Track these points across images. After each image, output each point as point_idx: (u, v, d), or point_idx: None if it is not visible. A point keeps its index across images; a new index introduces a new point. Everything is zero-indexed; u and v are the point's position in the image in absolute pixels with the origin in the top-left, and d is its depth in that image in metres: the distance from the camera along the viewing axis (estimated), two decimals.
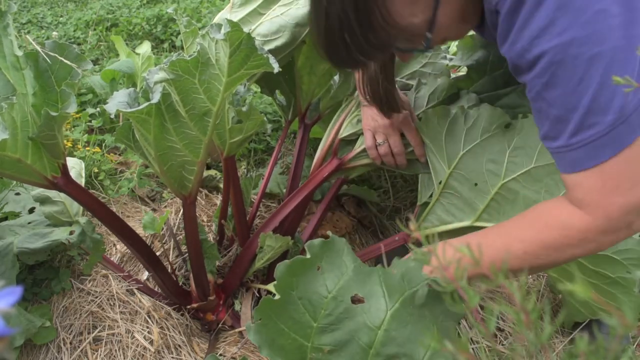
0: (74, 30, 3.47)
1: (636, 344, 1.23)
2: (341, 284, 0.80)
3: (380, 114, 1.12)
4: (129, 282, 1.27)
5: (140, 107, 0.87)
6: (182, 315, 1.26)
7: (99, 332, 1.17)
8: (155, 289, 1.29)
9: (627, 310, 0.29)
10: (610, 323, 0.32)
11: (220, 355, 1.17)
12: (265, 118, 1.21)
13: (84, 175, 1.38)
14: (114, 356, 1.13)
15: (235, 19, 1.21)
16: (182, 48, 1.49)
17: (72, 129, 1.85)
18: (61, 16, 3.98)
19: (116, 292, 1.24)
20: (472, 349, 1.22)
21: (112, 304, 1.23)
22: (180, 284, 1.32)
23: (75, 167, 1.36)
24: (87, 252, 1.19)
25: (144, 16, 3.36)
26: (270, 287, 1.17)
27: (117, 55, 2.66)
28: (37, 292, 1.22)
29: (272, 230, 1.18)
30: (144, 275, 1.36)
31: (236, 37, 0.79)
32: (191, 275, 1.25)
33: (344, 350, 0.76)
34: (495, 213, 1.04)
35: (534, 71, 0.71)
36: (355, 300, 0.80)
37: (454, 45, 1.81)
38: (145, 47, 2.20)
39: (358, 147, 1.23)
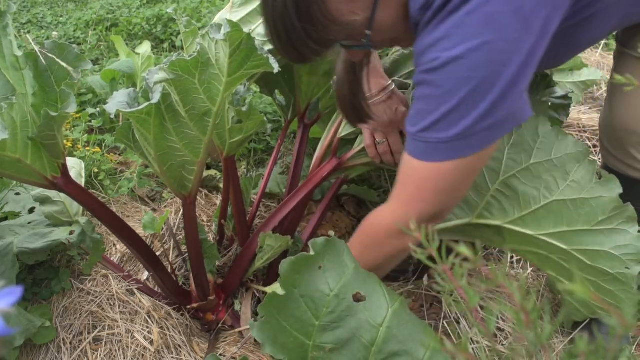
0: (74, 30, 3.47)
1: (636, 344, 1.23)
2: (343, 282, 0.80)
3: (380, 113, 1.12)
4: (129, 282, 1.27)
5: (140, 107, 0.87)
6: (182, 315, 1.26)
7: (99, 332, 1.17)
8: (155, 289, 1.30)
9: (627, 310, 0.29)
10: (610, 323, 0.32)
11: (220, 355, 1.17)
12: (265, 118, 1.21)
13: (84, 175, 1.38)
14: (114, 356, 1.13)
15: (235, 19, 1.21)
16: (182, 48, 1.49)
17: (72, 129, 1.85)
18: (61, 16, 3.98)
19: (116, 292, 1.24)
20: (472, 349, 1.22)
21: (112, 304, 1.23)
22: (180, 284, 1.32)
23: (75, 167, 1.36)
24: (87, 252, 1.19)
25: (144, 16, 3.35)
26: (270, 289, 1.17)
27: (117, 55, 2.66)
28: (37, 292, 1.22)
29: (272, 230, 1.18)
30: (144, 275, 1.36)
31: (236, 37, 0.79)
32: (191, 275, 1.25)
33: (346, 348, 0.76)
34: (495, 210, 1.05)
35: (421, 67, 0.81)
36: (357, 298, 0.80)
37: None
38: (145, 47, 2.20)
39: (357, 146, 1.23)
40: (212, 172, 1.78)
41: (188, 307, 1.25)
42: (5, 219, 1.28)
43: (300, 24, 0.80)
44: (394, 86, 1.14)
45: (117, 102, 0.93)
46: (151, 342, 1.16)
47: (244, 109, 1.13)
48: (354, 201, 1.70)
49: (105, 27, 3.42)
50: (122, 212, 1.59)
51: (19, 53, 0.96)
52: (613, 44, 2.51)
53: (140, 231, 1.32)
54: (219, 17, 1.26)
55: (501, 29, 0.72)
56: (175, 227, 1.53)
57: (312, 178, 1.25)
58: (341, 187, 1.43)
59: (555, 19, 0.77)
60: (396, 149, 1.16)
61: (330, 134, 1.31)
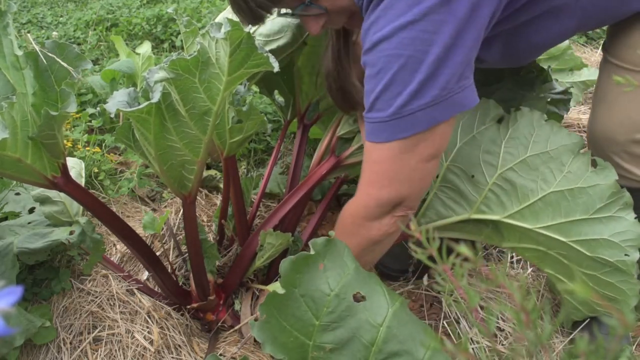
0: (74, 30, 3.47)
1: (636, 344, 1.23)
2: (343, 282, 0.80)
3: None
4: (129, 282, 1.27)
5: (140, 106, 0.87)
6: (182, 315, 1.26)
7: (99, 332, 1.17)
8: (155, 289, 1.29)
9: (626, 305, 0.29)
10: (610, 323, 0.31)
11: (220, 355, 1.17)
12: (265, 118, 1.21)
13: (84, 175, 1.38)
14: (114, 356, 1.13)
15: (236, 19, 1.21)
16: (182, 48, 1.49)
17: (72, 129, 1.85)
18: (61, 16, 3.98)
19: (116, 292, 1.24)
20: (472, 349, 1.22)
21: (112, 304, 1.23)
22: (180, 284, 1.32)
23: (75, 167, 1.36)
24: (87, 252, 1.19)
25: (144, 16, 3.35)
26: (269, 288, 1.17)
27: (117, 55, 2.66)
28: (37, 292, 1.22)
29: (272, 228, 1.18)
30: (144, 275, 1.36)
31: (236, 36, 0.79)
32: (191, 275, 1.25)
33: (346, 348, 0.76)
34: (493, 204, 1.05)
35: (363, 50, 0.86)
36: (357, 298, 0.80)
37: None
38: (145, 47, 2.20)
39: (355, 144, 1.24)
40: (212, 172, 1.78)
41: (188, 307, 1.25)
42: (5, 219, 1.28)
43: None
44: None
45: (117, 101, 0.93)
46: (151, 342, 1.15)
47: (244, 108, 1.13)
48: None
49: (105, 27, 3.42)
50: (122, 212, 1.59)
51: (19, 52, 0.96)
52: None
53: (140, 231, 1.31)
54: (220, 18, 1.26)
55: (425, 10, 0.77)
56: (175, 227, 1.53)
57: (312, 176, 1.25)
58: (341, 186, 1.43)
59: (485, 5, 0.81)
60: None
61: (330, 133, 1.31)
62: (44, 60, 0.96)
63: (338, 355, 0.77)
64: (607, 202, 0.96)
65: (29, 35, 3.22)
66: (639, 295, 1.00)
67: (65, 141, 1.22)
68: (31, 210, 1.31)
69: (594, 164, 0.97)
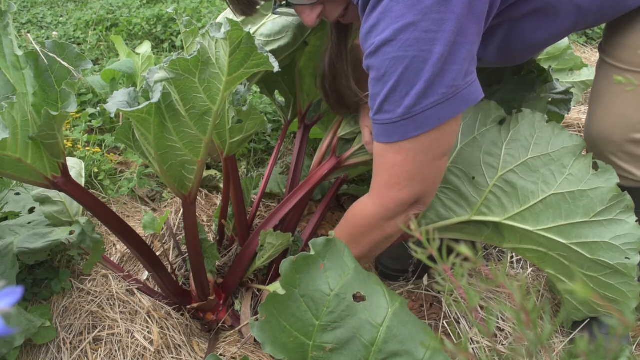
0: (74, 30, 3.47)
1: (636, 343, 1.23)
2: (343, 282, 0.80)
3: None
4: (129, 282, 1.27)
5: (140, 106, 0.87)
6: (182, 315, 1.26)
7: (99, 332, 1.17)
8: (155, 289, 1.29)
9: (628, 304, 0.29)
10: (610, 323, 0.31)
11: (220, 355, 1.17)
12: (265, 118, 1.21)
13: (84, 175, 1.38)
14: (114, 356, 1.13)
15: (238, 20, 1.21)
16: (182, 48, 1.49)
17: (72, 129, 1.85)
18: (61, 16, 3.98)
19: (116, 292, 1.24)
20: (472, 348, 1.22)
21: (112, 304, 1.23)
22: (180, 284, 1.32)
23: (75, 167, 1.36)
24: (87, 252, 1.19)
25: (144, 16, 3.35)
26: (269, 288, 1.17)
27: (117, 55, 2.66)
28: (37, 292, 1.22)
29: (273, 228, 1.18)
30: (144, 275, 1.36)
31: (236, 36, 0.79)
32: (191, 275, 1.25)
33: (346, 348, 0.76)
34: (493, 206, 1.05)
35: (365, 54, 0.87)
36: (357, 298, 0.80)
37: None
38: (145, 47, 2.20)
39: (356, 145, 1.24)
40: (212, 172, 1.78)
41: (188, 307, 1.25)
42: (5, 219, 1.28)
43: None
44: None
45: (117, 101, 0.93)
46: (151, 342, 1.15)
47: (244, 108, 1.13)
48: (354, 201, 1.70)
49: (105, 27, 3.42)
50: (122, 212, 1.59)
51: (20, 52, 0.96)
52: None
53: (140, 231, 1.31)
54: (221, 18, 1.26)
55: (424, 10, 0.78)
56: (175, 227, 1.53)
57: (312, 177, 1.25)
58: (341, 186, 1.43)
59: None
60: None
61: (331, 133, 1.31)
62: (44, 60, 0.96)
63: (338, 355, 0.77)
64: (608, 205, 0.96)
65: (29, 35, 3.22)
66: (639, 297, 1.00)
67: (65, 141, 1.22)
68: (31, 210, 1.31)
69: (595, 166, 0.97)
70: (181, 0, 3.80)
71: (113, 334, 1.17)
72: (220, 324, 1.25)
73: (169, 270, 1.26)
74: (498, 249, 1.54)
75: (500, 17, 0.94)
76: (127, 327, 1.18)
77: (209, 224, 1.59)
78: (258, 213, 1.57)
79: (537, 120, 1.01)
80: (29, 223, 1.22)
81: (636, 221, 0.96)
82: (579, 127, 2.14)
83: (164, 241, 1.47)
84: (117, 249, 1.43)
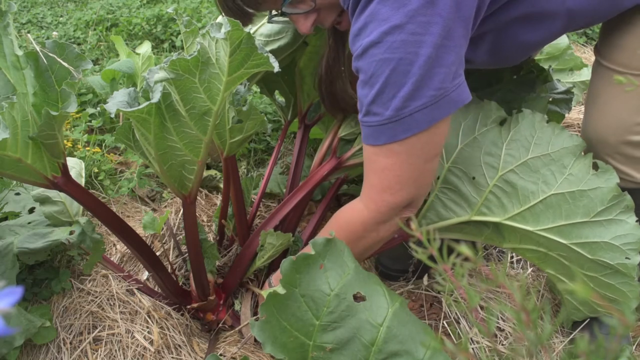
0: (74, 30, 3.47)
1: (636, 343, 1.23)
2: (343, 282, 0.80)
3: None
4: (129, 282, 1.27)
5: (140, 106, 0.87)
6: (182, 315, 1.26)
7: (99, 332, 1.17)
8: (155, 289, 1.29)
9: (628, 304, 0.29)
10: (611, 323, 0.31)
11: (220, 355, 1.17)
12: (265, 118, 1.21)
13: (84, 175, 1.38)
14: (114, 356, 1.13)
15: None
16: (182, 48, 1.49)
17: (72, 129, 1.85)
18: (61, 16, 3.98)
19: (116, 292, 1.24)
20: (472, 348, 1.22)
21: (112, 304, 1.23)
22: (180, 284, 1.32)
23: (75, 167, 1.36)
24: (87, 252, 1.19)
25: (144, 16, 3.35)
26: (264, 294, 1.17)
27: (117, 55, 2.66)
28: (37, 292, 1.22)
29: (273, 228, 1.18)
30: (144, 275, 1.36)
31: (236, 36, 0.79)
32: (191, 275, 1.25)
33: (346, 348, 0.76)
34: (494, 206, 1.05)
35: (353, 57, 0.87)
36: (357, 298, 0.80)
37: None
38: (145, 47, 2.20)
39: (357, 145, 1.24)
40: (212, 172, 1.78)
41: (188, 307, 1.25)
42: (5, 219, 1.28)
43: None
44: None
45: (117, 101, 0.93)
46: (151, 342, 1.15)
47: (244, 108, 1.13)
48: None
49: (105, 27, 3.42)
50: (122, 212, 1.59)
51: (20, 52, 0.96)
52: None
53: (140, 231, 1.31)
54: (220, 18, 1.26)
55: (410, 12, 0.78)
56: (175, 227, 1.53)
57: (312, 177, 1.25)
58: (341, 186, 1.43)
59: (469, 2, 0.82)
60: None
61: (331, 134, 1.31)
62: (45, 60, 0.96)
63: (338, 355, 0.77)
64: (608, 205, 0.96)
65: (29, 35, 3.22)
66: (639, 297, 1.00)
67: (65, 141, 1.22)
68: (31, 210, 1.31)
69: (595, 166, 0.97)
70: (181, 0, 3.80)
71: (113, 334, 1.17)
72: (220, 324, 1.25)
73: (169, 270, 1.26)
74: (498, 249, 1.54)
75: (489, 21, 0.94)
76: (127, 327, 1.18)
77: (209, 224, 1.59)
78: (258, 213, 1.57)
79: (537, 120, 1.01)
80: (29, 223, 1.22)
81: (636, 221, 0.96)
82: (579, 127, 2.14)
83: (164, 241, 1.47)
84: (117, 249, 1.43)
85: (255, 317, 1.21)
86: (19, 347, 1.05)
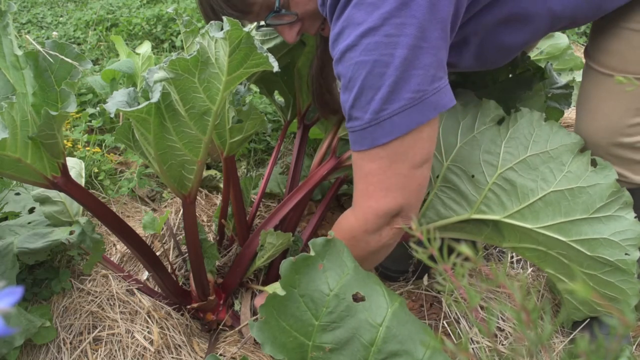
0: (74, 30, 3.47)
1: (636, 343, 1.23)
2: (343, 282, 0.80)
3: None
4: (129, 282, 1.27)
5: (140, 106, 0.87)
6: (182, 315, 1.26)
7: (99, 332, 1.17)
8: (155, 289, 1.29)
9: (626, 304, 0.29)
10: (611, 322, 0.31)
11: (220, 355, 1.17)
12: (265, 118, 1.21)
13: (84, 175, 1.38)
14: (114, 356, 1.13)
15: None
16: (182, 48, 1.49)
17: (72, 129, 1.85)
18: (61, 16, 3.98)
19: (116, 292, 1.24)
20: (472, 348, 1.22)
21: (112, 304, 1.22)
22: (180, 284, 1.32)
23: (75, 167, 1.36)
24: (87, 252, 1.19)
25: (144, 16, 3.35)
26: (268, 288, 1.17)
27: (117, 55, 2.66)
28: (37, 292, 1.22)
29: (273, 228, 1.18)
30: (144, 275, 1.36)
31: (236, 36, 0.79)
32: (191, 275, 1.25)
33: (346, 348, 0.76)
34: (493, 204, 1.05)
35: (334, 60, 0.87)
36: (357, 298, 0.80)
37: None
38: (145, 47, 2.20)
39: None
40: (212, 172, 1.78)
41: (188, 307, 1.25)
42: (5, 219, 1.28)
43: None
44: None
45: (117, 101, 0.93)
46: (151, 342, 1.15)
47: (244, 108, 1.13)
48: None
49: (105, 27, 3.42)
50: (122, 212, 1.59)
51: (19, 52, 0.96)
52: None
53: (140, 231, 1.31)
54: None
55: (384, 14, 0.77)
56: (175, 227, 1.53)
57: (312, 177, 1.25)
58: (341, 186, 1.43)
59: (444, 4, 0.80)
60: None
61: (331, 134, 1.31)
62: (44, 60, 0.96)
63: (338, 355, 0.77)
64: (607, 202, 0.96)
65: (28, 36, 3.22)
66: (639, 294, 1.00)
67: (65, 141, 1.22)
68: (31, 210, 1.31)
69: (593, 163, 0.97)
70: (181, 0, 3.80)
71: (113, 334, 1.17)
72: (220, 324, 1.25)
73: (169, 270, 1.26)
74: (498, 249, 1.54)
75: (472, 25, 0.93)
76: (127, 327, 1.18)
77: (209, 224, 1.59)
78: (258, 213, 1.57)
79: (535, 118, 1.01)
80: (29, 223, 1.22)
81: (635, 217, 0.96)
82: None
83: (164, 241, 1.47)
84: (117, 249, 1.43)
85: (254, 318, 1.21)
86: (19, 347, 1.05)
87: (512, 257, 1.50)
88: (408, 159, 0.86)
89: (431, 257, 0.40)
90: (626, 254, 0.96)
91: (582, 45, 3.15)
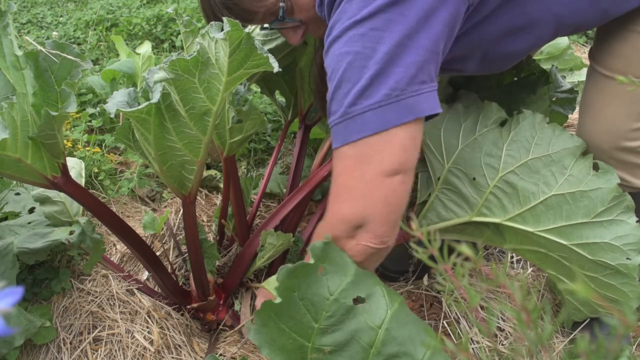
0: (74, 30, 3.47)
1: (636, 343, 1.23)
2: (343, 286, 0.80)
3: None
4: (129, 282, 1.27)
5: (140, 106, 0.87)
6: (182, 315, 1.26)
7: (99, 332, 1.17)
8: (155, 289, 1.29)
9: (627, 307, 0.29)
10: (611, 323, 0.31)
11: (220, 355, 1.17)
12: (265, 118, 1.21)
13: (84, 175, 1.38)
14: (114, 356, 1.13)
15: None
16: (182, 48, 1.49)
17: (72, 129, 1.85)
18: (61, 16, 3.98)
19: (116, 292, 1.24)
20: (473, 348, 1.22)
21: (112, 304, 1.22)
22: (180, 284, 1.32)
23: (75, 167, 1.36)
24: (87, 252, 1.19)
25: (144, 16, 3.35)
26: (266, 285, 1.17)
27: (117, 55, 2.66)
28: (37, 292, 1.22)
29: (274, 229, 1.18)
30: (144, 275, 1.36)
31: (236, 37, 0.79)
32: (191, 275, 1.25)
33: (345, 350, 0.76)
34: (494, 207, 1.05)
35: (324, 52, 0.85)
36: (356, 300, 0.80)
37: None
38: (145, 47, 2.20)
39: None
40: (212, 172, 1.78)
41: (188, 307, 1.25)
42: (5, 219, 1.28)
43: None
44: None
45: (117, 101, 0.93)
46: (151, 342, 1.15)
47: (244, 108, 1.13)
48: None
49: (105, 27, 3.42)
50: (122, 212, 1.59)
51: (19, 52, 0.96)
52: None
53: (140, 231, 1.31)
54: None
55: (374, 9, 0.77)
56: (175, 227, 1.53)
57: (313, 178, 1.25)
58: None
59: (439, 15, 0.78)
60: None
61: None
62: (44, 60, 0.96)
63: (337, 357, 0.76)
64: (609, 206, 0.95)
65: (28, 36, 3.22)
66: None
67: (65, 141, 1.22)
68: (31, 210, 1.31)
69: (595, 167, 0.97)
70: (181, 0, 3.80)
71: (113, 334, 1.17)
72: (220, 324, 1.25)
73: (169, 270, 1.26)
74: (499, 249, 1.54)
75: (474, 36, 0.92)
76: (127, 327, 1.18)
77: (209, 224, 1.59)
78: (258, 213, 1.57)
79: (537, 121, 1.01)
80: (29, 223, 1.22)
81: (637, 221, 0.95)
82: None
83: (164, 241, 1.47)
84: (117, 249, 1.43)
85: (252, 319, 1.21)
86: (19, 347, 1.05)
87: (512, 257, 1.50)
88: (374, 162, 0.79)
89: (431, 257, 0.40)
90: (627, 258, 0.96)
91: (582, 45, 3.15)
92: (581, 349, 0.32)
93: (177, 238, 1.48)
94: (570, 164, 0.98)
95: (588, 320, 1.19)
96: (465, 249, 0.36)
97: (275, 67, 0.83)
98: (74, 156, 1.63)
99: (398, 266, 1.42)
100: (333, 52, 0.81)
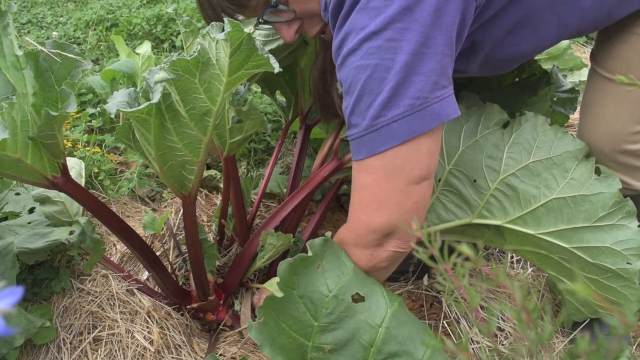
0: (74, 30, 3.47)
1: (636, 343, 1.23)
2: (342, 283, 0.80)
3: None
4: (129, 282, 1.27)
5: (141, 106, 0.87)
6: (182, 315, 1.26)
7: (99, 332, 1.17)
8: (155, 289, 1.29)
9: (629, 306, 0.29)
10: (611, 323, 0.31)
11: (220, 355, 1.17)
12: (265, 118, 1.21)
13: (84, 175, 1.38)
14: (114, 356, 1.13)
15: None
16: (182, 48, 1.49)
17: (72, 129, 1.85)
18: (61, 16, 3.98)
19: (116, 292, 1.24)
20: (473, 348, 1.22)
21: (112, 304, 1.23)
22: (180, 284, 1.32)
23: (75, 167, 1.36)
24: (87, 252, 1.19)
25: (144, 16, 3.35)
26: (266, 285, 1.17)
27: (117, 55, 2.66)
28: (37, 292, 1.22)
29: (274, 229, 1.18)
30: (144, 275, 1.36)
31: (237, 37, 0.79)
32: (191, 275, 1.25)
33: (345, 349, 0.76)
34: (495, 209, 1.05)
35: (337, 66, 0.85)
36: (356, 299, 0.80)
37: None
38: (145, 47, 2.20)
39: None
40: (212, 172, 1.78)
41: (188, 307, 1.25)
42: (5, 219, 1.28)
43: None
44: None
45: (117, 101, 0.93)
46: (151, 342, 1.15)
47: (244, 108, 1.13)
48: None
49: (105, 27, 3.42)
50: (122, 212, 1.59)
51: (20, 52, 0.96)
52: None
53: (140, 231, 1.31)
54: None
55: (387, 19, 0.76)
56: (175, 227, 1.53)
57: (313, 178, 1.25)
58: (341, 187, 1.43)
59: (449, 11, 0.78)
60: None
61: (333, 135, 1.31)
62: (45, 60, 0.96)
63: (337, 356, 0.77)
64: (610, 211, 0.95)
65: (28, 37, 3.22)
66: None
67: (65, 141, 1.22)
68: (31, 210, 1.31)
69: (597, 171, 0.97)
70: (181, 0, 3.80)
71: (113, 334, 1.17)
72: (220, 324, 1.25)
73: (169, 270, 1.26)
74: (499, 249, 1.54)
75: (479, 34, 0.92)
76: (127, 327, 1.18)
77: (209, 224, 1.59)
78: (258, 213, 1.57)
79: (539, 123, 1.00)
80: (29, 223, 1.22)
81: (638, 226, 0.95)
82: None
83: (164, 241, 1.47)
84: (117, 249, 1.43)
85: (253, 318, 1.21)
86: (19, 347, 1.05)
87: (512, 257, 1.50)
88: (405, 171, 0.81)
89: (431, 257, 0.41)
90: (628, 263, 0.96)
91: (582, 45, 3.15)
92: (581, 349, 0.32)
93: (177, 238, 1.48)
94: (572, 167, 0.97)
95: (588, 320, 1.19)
96: (465, 249, 0.36)
97: (276, 68, 0.83)
98: (74, 156, 1.63)
99: (398, 266, 1.42)
100: (349, 65, 0.80)
